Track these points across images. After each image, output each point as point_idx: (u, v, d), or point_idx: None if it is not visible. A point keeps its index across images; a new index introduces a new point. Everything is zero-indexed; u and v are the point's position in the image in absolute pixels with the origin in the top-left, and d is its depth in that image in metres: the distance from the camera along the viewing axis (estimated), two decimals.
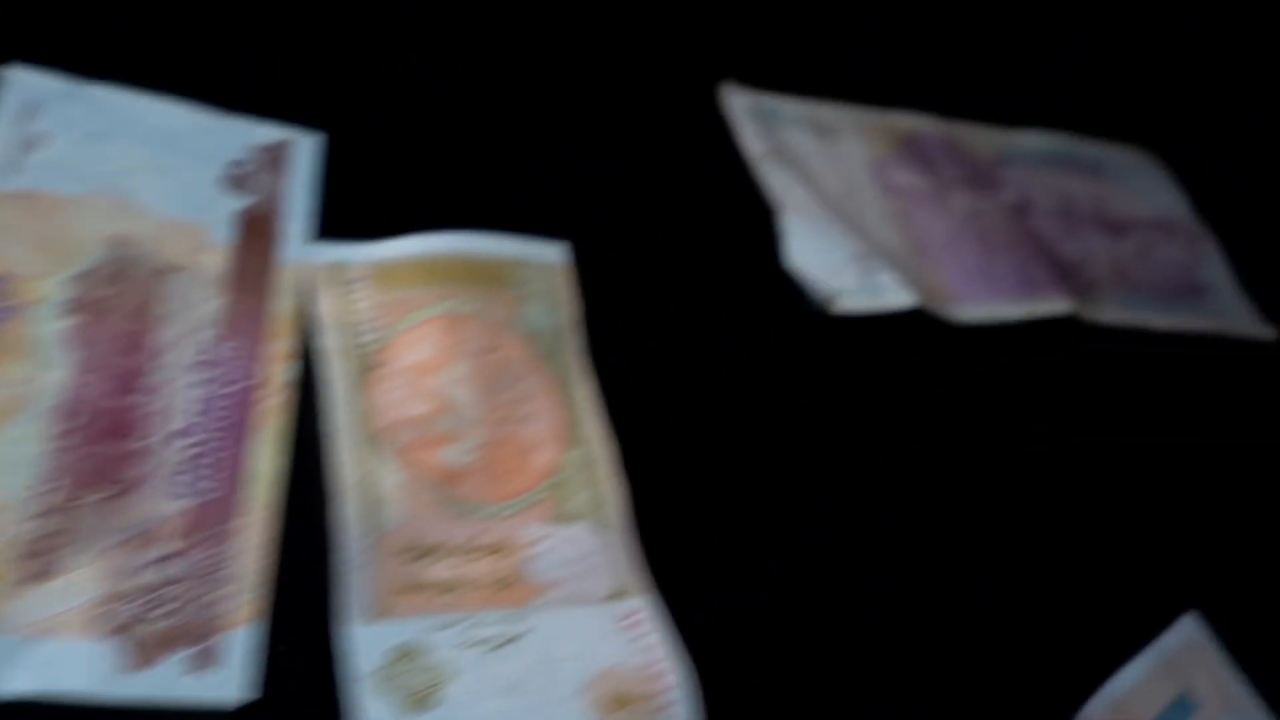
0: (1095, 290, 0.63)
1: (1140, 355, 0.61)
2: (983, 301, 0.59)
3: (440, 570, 0.41)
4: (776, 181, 0.58)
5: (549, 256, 0.50)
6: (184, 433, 0.40)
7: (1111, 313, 0.62)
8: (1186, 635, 0.49)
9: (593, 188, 0.54)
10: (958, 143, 0.65)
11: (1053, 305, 0.60)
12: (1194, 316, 0.65)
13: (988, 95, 0.70)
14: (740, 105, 0.60)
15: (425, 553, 0.41)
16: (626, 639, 0.41)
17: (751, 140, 0.59)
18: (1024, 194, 0.65)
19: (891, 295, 0.56)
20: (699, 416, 0.49)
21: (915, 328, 0.57)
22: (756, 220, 0.56)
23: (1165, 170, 0.71)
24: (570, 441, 0.45)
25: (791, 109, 0.61)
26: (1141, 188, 0.70)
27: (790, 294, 0.55)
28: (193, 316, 0.42)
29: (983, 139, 0.67)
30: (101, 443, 0.40)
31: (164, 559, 0.38)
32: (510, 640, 0.40)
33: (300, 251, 0.45)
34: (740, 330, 0.53)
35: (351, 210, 0.47)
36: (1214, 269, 0.68)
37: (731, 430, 0.49)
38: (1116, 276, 0.64)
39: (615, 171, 0.55)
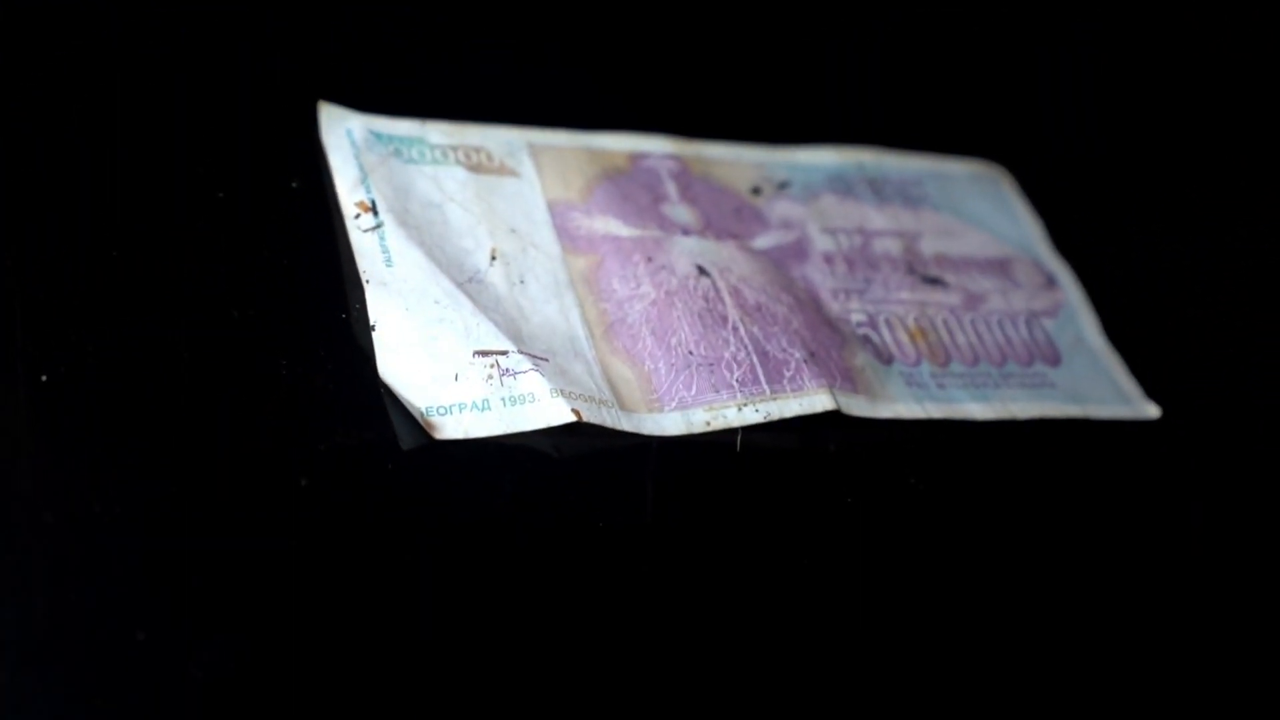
0: (886, 370, 0.45)
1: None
2: (693, 403, 0.41)
3: None
4: (369, 247, 0.40)
5: None
6: None
7: (907, 401, 0.44)
8: None
9: None
10: (702, 170, 0.48)
11: (805, 399, 0.42)
12: (1039, 398, 0.47)
13: (760, 107, 0.52)
14: (340, 135, 0.41)
15: None
16: None
17: (346, 187, 0.41)
18: (795, 234, 0.47)
19: (537, 409, 0.39)
20: None
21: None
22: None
23: (1014, 188, 0.53)
24: None
25: (434, 134, 0.44)
26: (977, 215, 0.51)
27: (382, 421, 0.38)
28: None
29: (741, 162, 0.49)
30: None
31: None
32: None
33: None
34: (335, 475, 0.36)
35: None
36: (1073, 324, 0.50)
37: None
38: (925, 345, 0.46)
39: None
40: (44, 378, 0.34)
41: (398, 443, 0.36)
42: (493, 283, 0.41)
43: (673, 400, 0.40)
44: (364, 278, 0.39)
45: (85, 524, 0.32)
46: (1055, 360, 0.48)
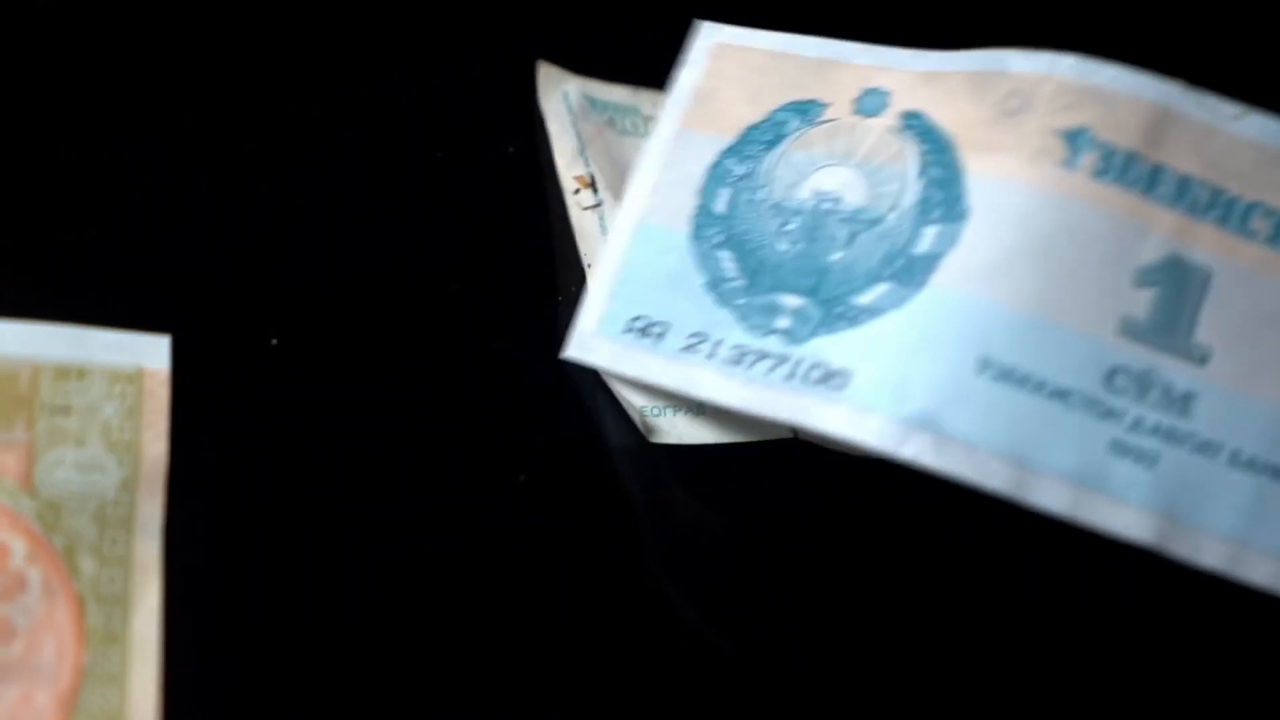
0: None
1: None
2: None
3: None
4: (589, 228, 0.38)
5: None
6: None
7: None
8: None
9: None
10: None
11: None
12: None
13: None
14: (557, 100, 0.40)
15: None
16: None
17: (564, 159, 0.40)
18: None
19: (753, 421, 0.37)
20: None
21: None
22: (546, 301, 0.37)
23: None
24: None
25: (646, 105, 0.40)
26: None
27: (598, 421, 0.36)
28: None
29: None
30: None
31: None
32: None
33: None
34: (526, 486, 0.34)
35: None
36: None
37: None
38: None
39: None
40: (274, 341, 0.32)
41: (609, 440, 0.35)
42: None
43: None
44: (585, 262, 0.37)
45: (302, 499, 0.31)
46: None
